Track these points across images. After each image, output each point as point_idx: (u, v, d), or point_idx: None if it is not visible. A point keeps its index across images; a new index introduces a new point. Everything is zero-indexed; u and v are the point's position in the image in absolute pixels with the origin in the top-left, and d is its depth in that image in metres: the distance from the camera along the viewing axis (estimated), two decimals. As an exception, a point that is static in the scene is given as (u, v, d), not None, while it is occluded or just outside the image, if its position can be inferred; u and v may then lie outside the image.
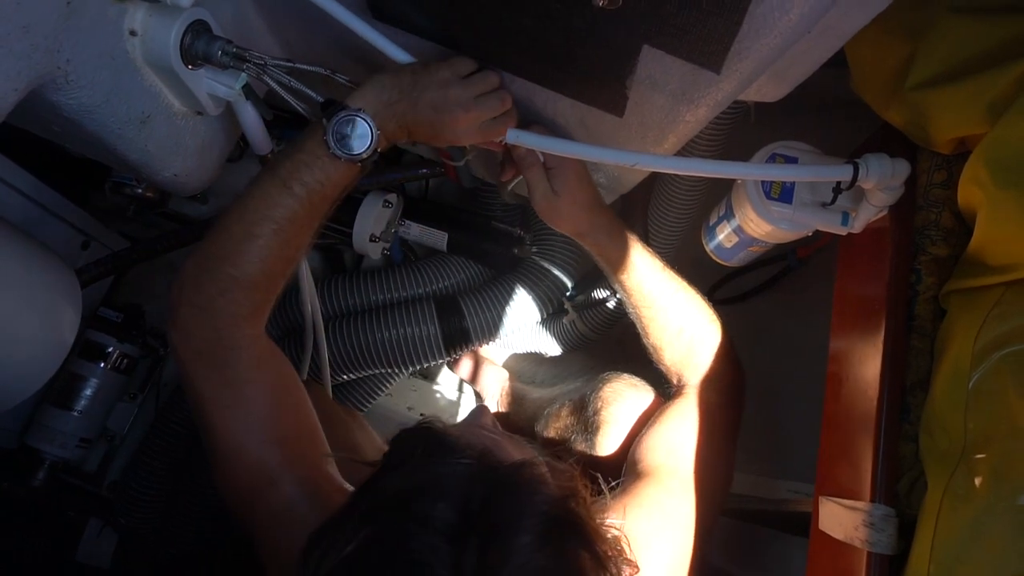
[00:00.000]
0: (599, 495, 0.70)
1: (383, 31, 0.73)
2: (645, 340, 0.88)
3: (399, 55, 0.73)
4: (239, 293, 0.68)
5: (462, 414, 1.48)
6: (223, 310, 0.68)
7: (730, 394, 0.85)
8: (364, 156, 0.69)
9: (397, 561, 0.46)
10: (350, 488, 0.70)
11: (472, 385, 1.48)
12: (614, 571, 0.51)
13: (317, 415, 0.96)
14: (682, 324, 0.85)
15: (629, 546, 0.59)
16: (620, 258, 0.84)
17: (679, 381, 0.86)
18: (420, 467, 0.52)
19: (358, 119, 0.68)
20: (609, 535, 0.56)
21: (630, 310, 0.88)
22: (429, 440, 0.55)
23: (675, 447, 0.79)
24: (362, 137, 0.68)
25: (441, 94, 0.70)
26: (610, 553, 0.53)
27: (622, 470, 0.85)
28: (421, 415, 1.45)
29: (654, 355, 0.88)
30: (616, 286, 0.87)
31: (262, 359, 0.71)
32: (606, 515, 0.69)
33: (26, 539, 1.32)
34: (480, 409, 0.68)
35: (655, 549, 0.69)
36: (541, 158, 0.80)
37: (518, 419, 1.31)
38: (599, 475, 0.69)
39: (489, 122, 0.73)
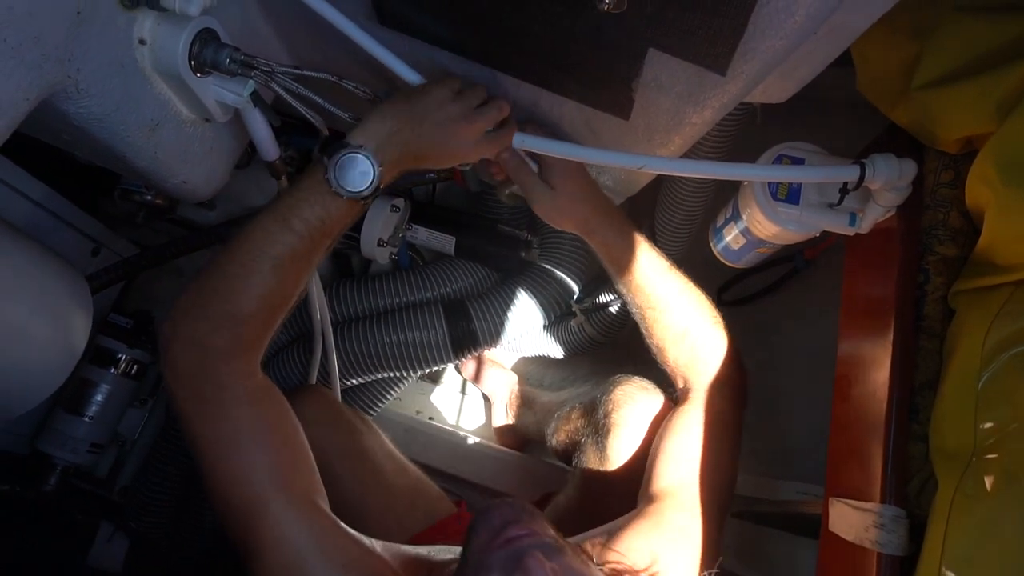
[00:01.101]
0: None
1: (390, 43, 0.74)
2: (649, 340, 0.87)
3: (407, 74, 0.74)
4: (233, 330, 0.67)
5: (471, 417, 1.49)
6: (216, 347, 0.66)
7: (734, 397, 0.84)
8: (366, 194, 0.69)
9: None
10: (344, 526, 0.69)
11: (481, 388, 1.48)
12: None
13: (328, 421, 0.96)
14: (687, 326, 0.84)
15: None
16: (626, 256, 0.83)
17: (684, 384, 0.86)
18: None
19: (359, 156, 0.68)
20: None
21: (634, 310, 0.87)
22: None
23: (686, 461, 0.79)
24: (363, 175, 0.68)
25: (442, 112, 0.70)
26: None
27: (632, 478, 0.86)
28: (430, 419, 1.46)
29: (658, 356, 0.88)
30: (620, 285, 0.87)
31: (254, 396, 0.69)
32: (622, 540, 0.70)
33: (38, 543, 1.33)
34: (502, 510, 0.63)
35: (674, 567, 0.70)
36: (533, 165, 0.79)
37: (528, 423, 1.31)
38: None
39: (493, 133, 0.73)
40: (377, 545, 0.70)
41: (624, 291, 0.87)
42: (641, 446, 0.88)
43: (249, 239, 0.68)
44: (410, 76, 0.74)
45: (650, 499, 0.77)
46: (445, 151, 0.72)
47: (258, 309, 0.68)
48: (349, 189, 0.68)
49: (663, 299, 0.84)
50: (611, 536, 0.72)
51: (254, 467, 0.66)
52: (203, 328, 0.66)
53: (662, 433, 0.84)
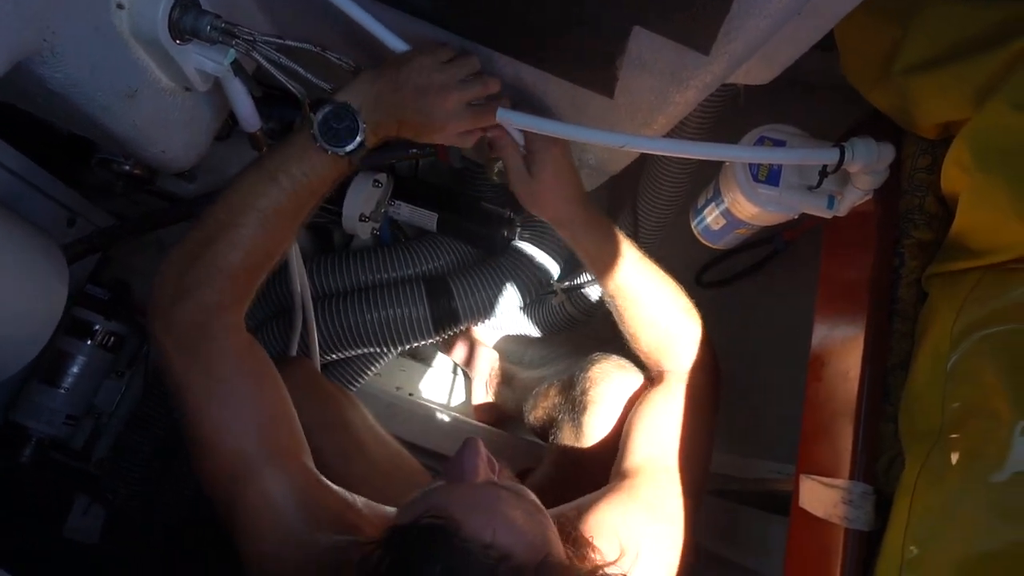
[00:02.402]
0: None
1: (375, 12, 0.73)
2: (621, 327, 0.88)
3: (392, 40, 0.73)
4: (220, 283, 0.68)
5: (451, 394, 1.49)
6: (204, 299, 0.68)
7: (708, 381, 0.85)
8: (350, 150, 0.69)
9: None
10: (327, 482, 0.70)
11: (461, 366, 1.49)
12: None
13: (309, 392, 0.97)
14: (658, 314, 0.85)
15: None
16: (596, 252, 0.83)
17: (658, 369, 0.87)
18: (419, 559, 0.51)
19: (345, 113, 0.68)
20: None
21: (607, 299, 0.88)
22: (444, 550, 0.52)
23: (659, 439, 0.81)
24: (349, 131, 0.69)
25: (425, 79, 0.70)
26: None
27: (607, 455, 0.87)
28: (410, 395, 1.46)
29: (631, 343, 0.88)
30: (592, 275, 0.87)
31: (240, 349, 0.70)
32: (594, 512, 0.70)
33: (14, 515, 1.32)
34: (470, 449, 0.63)
35: (649, 543, 0.71)
36: (521, 142, 0.79)
37: (507, 399, 1.32)
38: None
39: (477, 106, 0.73)
40: (359, 502, 0.72)
41: (597, 281, 0.87)
42: (617, 424, 0.89)
43: (236, 193, 0.70)
44: (395, 43, 0.73)
45: (623, 475, 0.78)
46: (426, 119, 0.72)
47: (243, 262, 0.69)
48: (334, 145, 0.69)
49: (635, 290, 0.84)
50: (581, 511, 0.72)
51: (239, 419, 0.67)
52: (191, 279, 0.68)
53: (635, 411, 0.85)
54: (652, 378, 0.89)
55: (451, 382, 1.52)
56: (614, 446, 0.86)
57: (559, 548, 0.59)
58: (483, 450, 0.63)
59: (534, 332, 1.46)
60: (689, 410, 0.82)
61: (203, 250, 0.69)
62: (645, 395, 0.86)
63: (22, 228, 0.90)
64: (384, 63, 0.72)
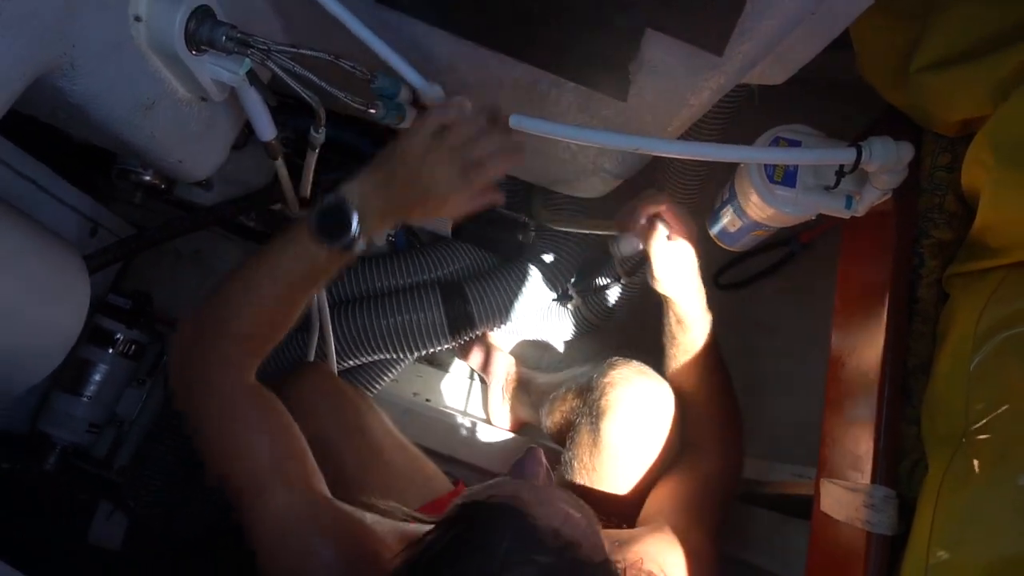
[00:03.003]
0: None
1: (387, 22, 0.74)
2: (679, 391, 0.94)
3: (399, 64, 0.75)
4: (231, 345, 0.73)
5: (468, 399, 1.49)
6: (214, 359, 0.73)
7: (734, 459, 0.93)
8: (346, 244, 0.71)
9: None
10: (335, 500, 0.72)
11: (478, 371, 1.49)
12: None
13: (328, 396, 1.00)
14: (697, 438, 0.92)
15: None
16: (688, 323, 0.91)
17: (694, 441, 0.93)
18: (505, 557, 0.50)
19: (340, 208, 0.70)
20: None
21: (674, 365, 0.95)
22: (514, 526, 0.52)
23: (679, 507, 0.85)
24: (343, 225, 0.70)
25: (415, 160, 0.71)
26: None
27: (623, 461, 0.89)
28: (427, 400, 1.46)
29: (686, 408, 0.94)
30: (670, 333, 0.94)
31: (249, 394, 0.74)
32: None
33: (39, 522, 1.34)
34: (533, 457, 0.65)
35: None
36: (664, 232, 0.87)
37: (524, 404, 1.32)
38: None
39: (476, 166, 0.72)
40: (370, 519, 0.72)
41: (669, 338, 0.94)
42: (634, 428, 0.89)
43: (246, 270, 0.75)
44: (405, 70, 0.74)
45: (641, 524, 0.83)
46: (426, 197, 0.72)
47: (251, 331, 0.75)
48: (329, 239, 0.71)
49: (693, 395, 0.93)
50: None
51: (252, 451, 0.71)
52: (205, 340, 0.74)
53: (665, 481, 0.90)
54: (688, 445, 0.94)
55: (468, 388, 1.52)
56: (631, 451, 0.86)
57: (614, 559, 0.58)
58: (544, 460, 0.64)
59: (550, 337, 1.46)
60: (714, 489, 0.89)
61: (214, 318, 0.74)
62: (675, 468, 0.91)
63: (46, 238, 0.92)
64: (380, 154, 0.74)
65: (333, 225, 0.70)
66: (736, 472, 0.93)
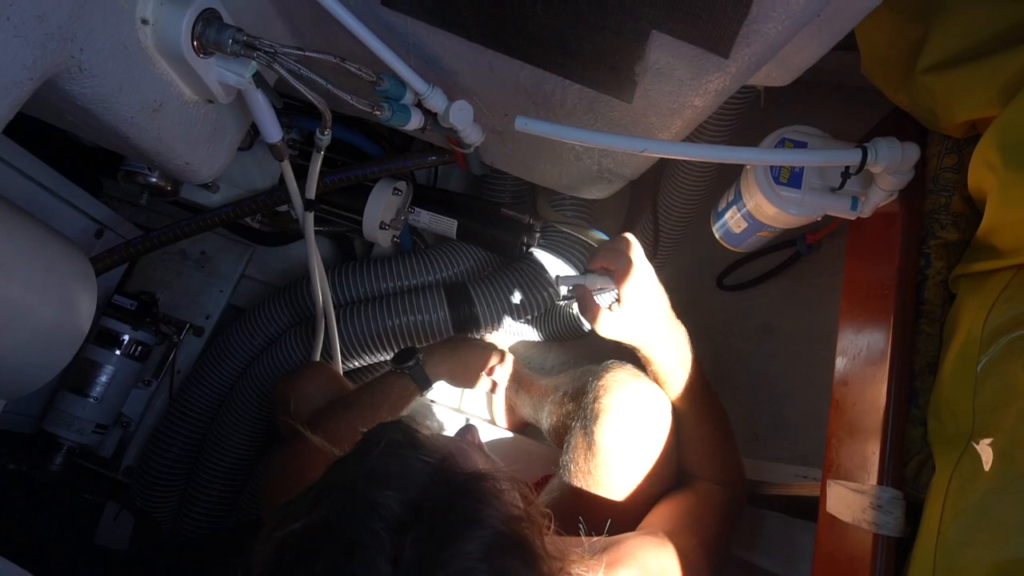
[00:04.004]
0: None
1: (394, 25, 0.74)
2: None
3: (412, 79, 0.78)
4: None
5: (471, 399, 1.49)
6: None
7: (736, 487, 0.93)
8: (408, 365, 1.13)
9: (339, 541, 0.47)
10: None
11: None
12: None
13: (332, 393, 1.10)
14: (693, 469, 0.93)
15: None
16: (669, 369, 0.91)
17: (693, 473, 0.93)
18: (379, 456, 0.53)
19: (412, 355, 1.14)
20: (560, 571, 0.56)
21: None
22: (397, 434, 0.56)
23: (681, 525, 0.84)
24: (409, 357, 1.14)
25: (460, 366, 1.19)
26: None
27: (616, 465, 0.88)
28: (431, 401, 1.46)
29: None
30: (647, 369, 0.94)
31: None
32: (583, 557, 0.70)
33: (46, 522, 1.35)
34: (469, 427, 0.70)
35: None
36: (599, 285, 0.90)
37: (525, 406, 1.32)
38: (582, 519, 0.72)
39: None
40: None
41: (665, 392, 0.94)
42: (627, 433, 0.88)
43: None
44: (407, 74, 0.75)
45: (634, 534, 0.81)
46: (460, 384, 1.23)
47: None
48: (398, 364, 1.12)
49: (687, 431, 0.92)
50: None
51: None
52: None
53: (665, 502, 0.89)
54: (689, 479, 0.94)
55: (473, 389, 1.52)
56: (624, 455, 0.87)
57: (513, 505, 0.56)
58: (478, 439, 0.67)
59: (553, 338, 1.46)
60: (717, 514, 0.88)
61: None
62: (677, 493, 0.91)
63: (52, 240, 0.92)
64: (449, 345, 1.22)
65: (404, 359, 1.10)
66: (736, 494, 0.93)
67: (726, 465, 0.93)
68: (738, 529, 0.93)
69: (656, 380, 0.93)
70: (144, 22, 0.67)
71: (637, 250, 0.88)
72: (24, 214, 0.90)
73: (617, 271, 0.87)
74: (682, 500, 0.88)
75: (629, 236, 0.90)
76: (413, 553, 0.46)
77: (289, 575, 0.47)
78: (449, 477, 0.52)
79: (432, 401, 1.47)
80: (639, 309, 0.87)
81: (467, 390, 1.50)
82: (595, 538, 0.74)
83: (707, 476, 0.92)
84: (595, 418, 0.89)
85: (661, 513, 0.87)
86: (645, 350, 0.90)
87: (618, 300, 0.88)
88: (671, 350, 0.90)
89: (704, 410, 0.92)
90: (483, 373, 1.18)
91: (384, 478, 0.50)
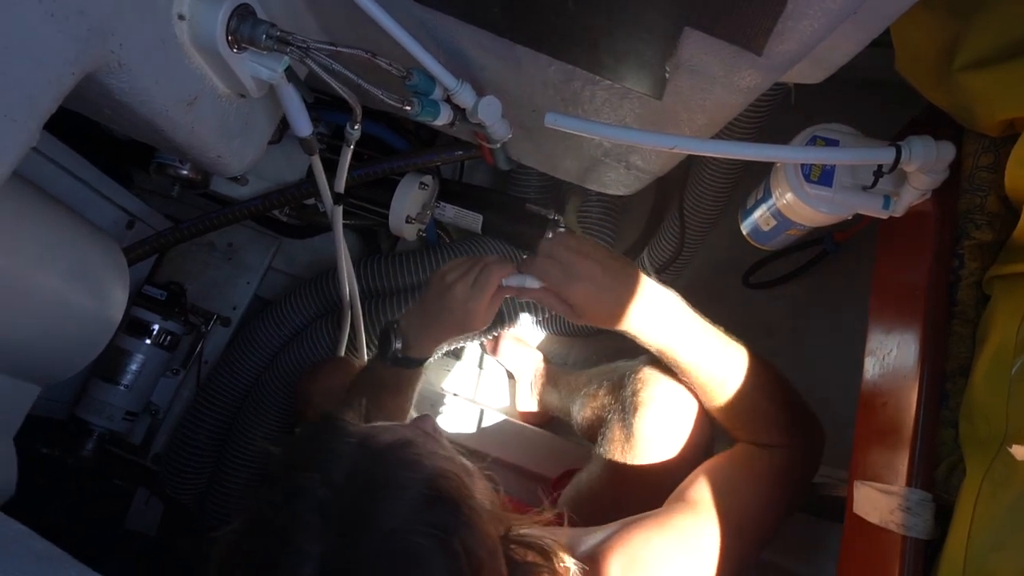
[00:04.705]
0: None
1: (425, 21, 0.74)
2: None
3: (443, 74, 0.78)
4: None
5: (493, 395, 1.50)
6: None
7: (782, 438, 0.82)
8: (394, 359, 0.90)
9: (269, 531, 0.50)
10: None
11: (505, 366, 1.49)
12: (484, 557, 0.52)
13: None
14: (736, 433, 0.84)
15: (553, 554, 0.60)
16: (658, 345, 0.83)
17: (731, 434, 0.86)
18: (301, 445, 0.56)
19: (387, 332, 0.91)
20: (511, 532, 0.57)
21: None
22: (320, 423, 0.58)
23: (715, 487, 0.78)
24: (389, 342, 0.91)
25: (436, 289, 0.87)
26: (488, 542, 0.53)
27: (656, 458, 0.88)
28: (454, 395, 1.47)
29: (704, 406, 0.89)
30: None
31: None
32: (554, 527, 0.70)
33: (78, 506, 1.38)
34: (423, 416, 0.67)
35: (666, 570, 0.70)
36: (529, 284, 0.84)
37: (552, 400, 1.32)
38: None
39: (480, 279, 0.84)
40: None
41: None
42: (666, 426, 0.89)
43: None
44: (436, 69, 0.75)
45: (669, 503, 0.78)
46: (451, 314, 0.87)
47: None
48: (382, 357, 0.91)
49: (697, 374, 0.83)
50: (610, 535, 0.72)
51: None
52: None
53: (706, 464, 0.83)
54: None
55: (495, 382, 1.52)
56: (664, 449, 0.86)
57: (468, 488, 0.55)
58: (436, 427, 0.66)
59: (577, 332, 1.46)
60: (755, 469, 0.80)
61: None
62: (713, 460, 0.84)
63: (87, 231, 0.94)
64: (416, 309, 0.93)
65: (384, 346, 0.90)
66: (784, 457, 0.82)
67: (767, 429, 0.82)
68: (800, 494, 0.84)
69: (662, 358, 0.85)
70: (180, 17, 0.68)
71: (562, 251, 0.81)
72: (57, 204, 0.91)
73: (555, 286, 0.81)
74: (714, 466, 0.82)
75: (553, 238, 0.85)
76: (341, 525, 0.48)
77: (231, 573, 0.51)
78: (369, 452, 0.54)
79: (455, 395, 1.48)
80: (594, 307, 0.81)
81: (483, 383, 1.51)
82: (596, 528, 0.74)
83: (746, 439, 0.84)
84: (634, 410, 0.90)
85: (690, 479, 0.81)
86: (640, 338, 0.84)
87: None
88: (664, 327, 0.82)
89: (711, 369, 0.83)
90: (462, 318, 0.86)
91: (305, 464, 0.53)
